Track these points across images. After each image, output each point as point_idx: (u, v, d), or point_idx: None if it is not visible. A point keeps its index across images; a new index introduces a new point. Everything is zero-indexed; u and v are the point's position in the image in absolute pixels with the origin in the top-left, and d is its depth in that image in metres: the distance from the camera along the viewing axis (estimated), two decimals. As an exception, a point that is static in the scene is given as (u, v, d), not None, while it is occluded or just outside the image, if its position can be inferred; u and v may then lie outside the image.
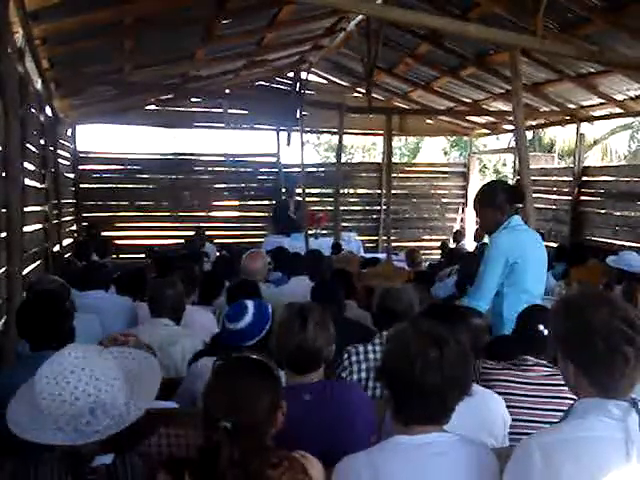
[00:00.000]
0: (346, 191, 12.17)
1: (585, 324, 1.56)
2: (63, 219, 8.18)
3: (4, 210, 3.74)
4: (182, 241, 9.73)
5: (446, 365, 1.67)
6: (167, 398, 2.64)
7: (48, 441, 1.61)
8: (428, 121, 12.63)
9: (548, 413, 2.58)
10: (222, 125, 11.47)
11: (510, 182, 4.82)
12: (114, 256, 9.35)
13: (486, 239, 9.36)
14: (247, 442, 1.63)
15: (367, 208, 12.81)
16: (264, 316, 2.72)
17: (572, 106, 9.30)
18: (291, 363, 2.29)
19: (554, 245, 8.42)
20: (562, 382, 2.50)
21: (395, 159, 15.08)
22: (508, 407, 2.56)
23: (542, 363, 2.72)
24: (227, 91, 10.95)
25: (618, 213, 9.22)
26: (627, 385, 1.56)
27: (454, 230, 11.86)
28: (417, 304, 3.27)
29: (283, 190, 11.40)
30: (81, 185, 10.72)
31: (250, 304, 2.75)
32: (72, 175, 10.29)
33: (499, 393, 2.59)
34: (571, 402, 1.65)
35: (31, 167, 5.88)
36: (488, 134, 13.15)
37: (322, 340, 2.27)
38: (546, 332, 2.75)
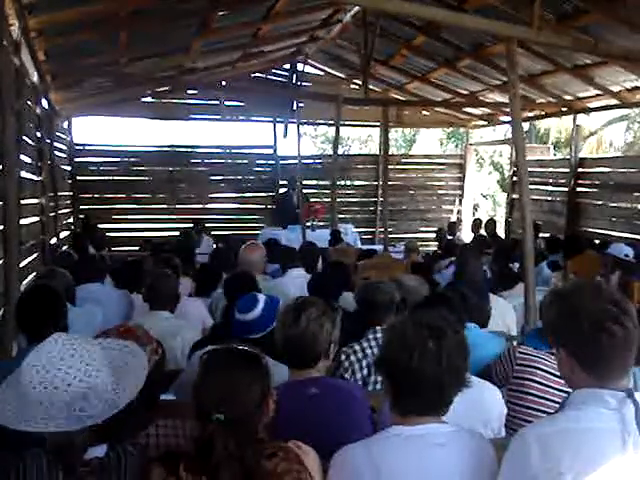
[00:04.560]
0: (343, 183, 12.16)
1: (571, 307, 1.58)
2: (60, 211, 8.16)
3: (0, 203, 3.74)
4: (178, 233, 9.70)
5: (444, 356, 1.67)
6: (165, 390, 2.65)
7: (40, 429, 1.55)
8: (425, 112, 12.61)
9: None
10: (218, 117, 11.45)
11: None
12: (109, 248, 9.33)
13: (482, 231, 9.48)
14: (241, 433, 1.62)
15: (364, 200, 12.80)
16: (273, 311, 2.68)
17: (568, 97, 9.29)
18: (286, 357, 2.30)
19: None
20: None
21: (392, 151, 15.05)
22: (541, 398, 2.56)
23: None
24: (223, 83, 10.91)
25: (614, 204, 9.25)
26: (619, 370, 1.56)
27: (450, 221, 11.85)
28: (398, 296, 3.29)
29: (286, 182, 11.28)
30: (78, 177, 10.71)
31: (262, 297, 2.76)
32: (68, 167, 10.27)
33: (536, 382, 2.58)
34: None
35: (27, 160, 5.88)
36: (484, 125, 13.12)
37: (315, 336, 2.23)
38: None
